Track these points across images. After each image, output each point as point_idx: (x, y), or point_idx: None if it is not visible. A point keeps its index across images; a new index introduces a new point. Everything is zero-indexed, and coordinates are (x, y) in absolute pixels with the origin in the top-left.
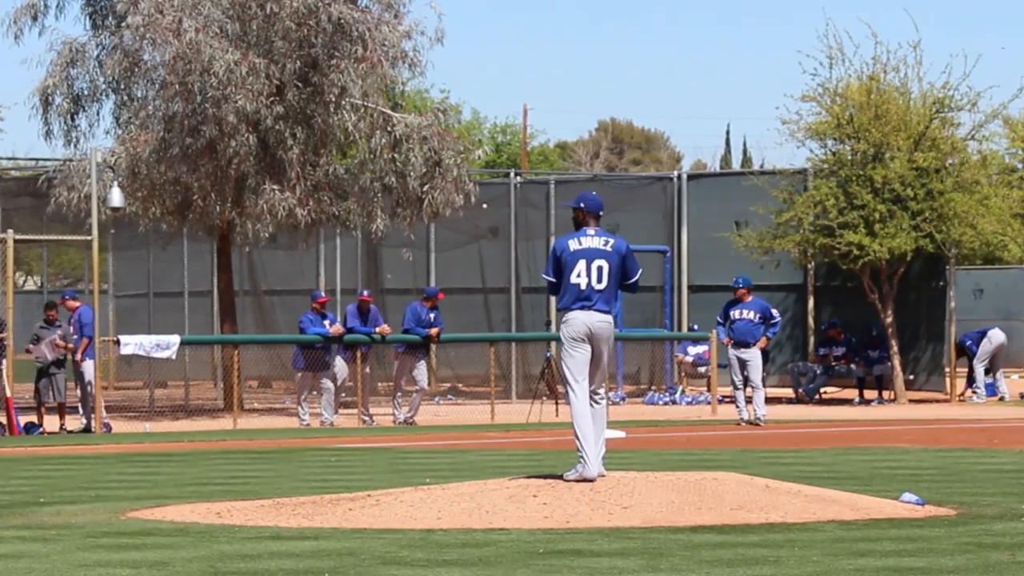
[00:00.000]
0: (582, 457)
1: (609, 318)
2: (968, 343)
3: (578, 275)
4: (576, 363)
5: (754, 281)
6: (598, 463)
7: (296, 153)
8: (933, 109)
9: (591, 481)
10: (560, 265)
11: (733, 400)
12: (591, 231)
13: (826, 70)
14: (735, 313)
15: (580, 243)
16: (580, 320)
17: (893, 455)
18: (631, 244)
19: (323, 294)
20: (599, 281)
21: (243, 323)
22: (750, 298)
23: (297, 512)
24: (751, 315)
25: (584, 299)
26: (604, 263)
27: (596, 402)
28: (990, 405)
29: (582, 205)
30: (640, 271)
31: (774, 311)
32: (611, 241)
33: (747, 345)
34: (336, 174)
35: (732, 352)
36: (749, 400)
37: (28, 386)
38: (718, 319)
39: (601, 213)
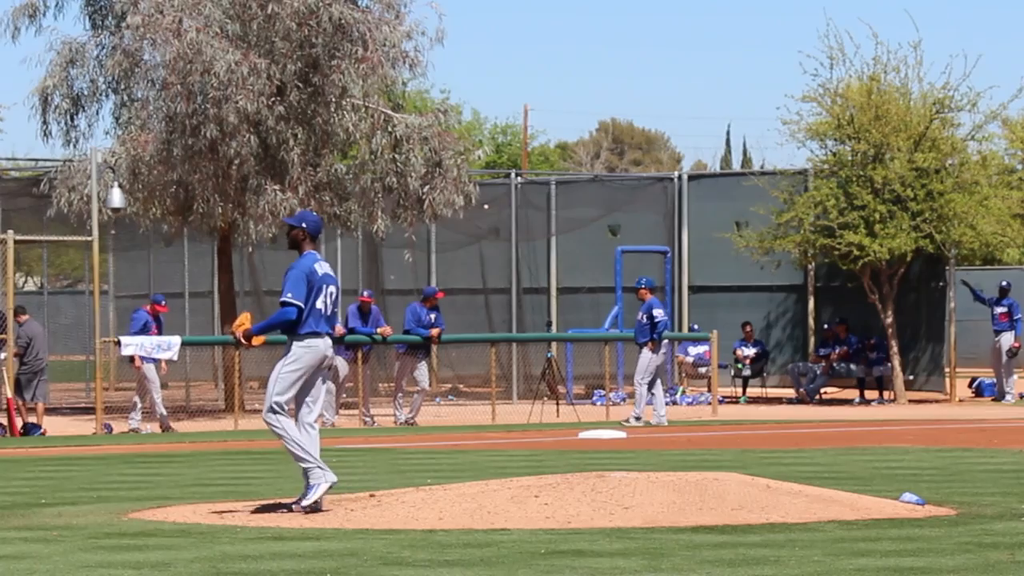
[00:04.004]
0: (316, 470)
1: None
2: (984, 295)
3: (323, 301)
4: (297, 392)
5: (755, 282)
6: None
7: (297, 153)
8: (933, 109)
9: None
10: (310, 288)
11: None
12: (320, 256)
13: (827, 70)
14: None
15: (322, 267)
16: (320, 350)
17: (893, 455)
18: (632, 245)
19: None
20: (334, 307)
21: None
22: (648, 298)
23: (298, 512)
24: (640, 316)
25: (325, 324)
26: (334, 289)
27: (312, 427)
28: (990, 405)
29: (304, 225)
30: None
31: (656, 311)
32: (330, 268)
33: (639, 346)
34: (337, 175)
35: None
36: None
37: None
38: None
39: (320, 232)
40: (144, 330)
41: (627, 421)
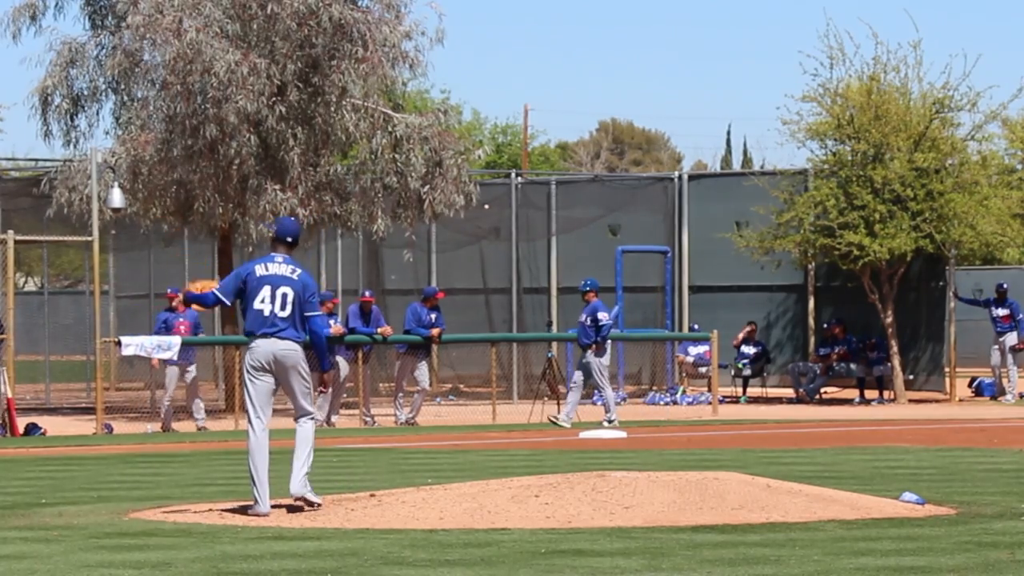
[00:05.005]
0: (255, 497)
1: (295, 345)
2: (980, 299)
3: (262, 301)
4: (257, 393)
5: (755, 282)
6: (299, 484)
7: (297, 153)
8: (933, 109)
9: (264, 516)
10: (243, 288)
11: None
12: (279, 258)
13: (827, 70)
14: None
15: (267, 269)
16: (263, 348)
17: (893, 455)
18: (632, 245)
19: (332, 295)
20: (283, 308)
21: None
22: (593, 300)
23: (299, 512)
24: (583, 318)
25: (268, 326)
26: (289, 291)
27: (302, 424)
28: (990, 405)
29: (273, 229)
30: (317, 312)
31: (600, 314)
32: (298, 271)
33: (583, 348)
34: (337, 174)
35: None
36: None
37: (29, 387)
38: None
39: (289, 240)
40: (168, 328)
41: (604, 423)
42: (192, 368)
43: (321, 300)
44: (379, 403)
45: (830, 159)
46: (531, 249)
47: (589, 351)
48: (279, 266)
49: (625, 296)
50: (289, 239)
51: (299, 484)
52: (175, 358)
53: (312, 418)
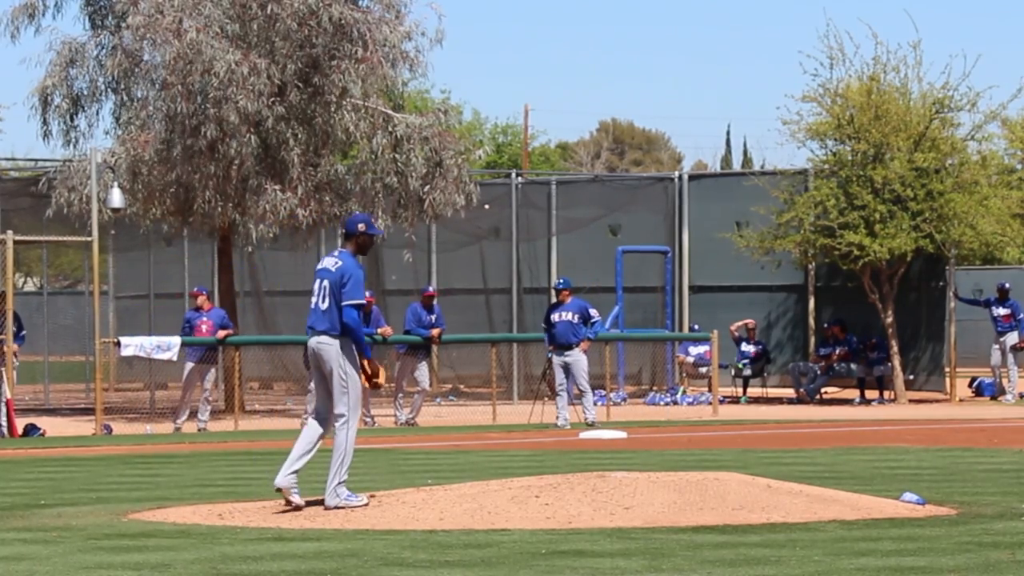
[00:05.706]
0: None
1: (329, 340)
2: (980, 299)
3: (311, 295)
4: (315, 385)
5: (755, 282)
6: (329, 495)
7: (297, 153)
8: (933, 109)
9: (276, 484)
10: None
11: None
12: (336, 252)
13: (826, 70)
14: (555, 316)
15: (322, 264)
16: (309, 343)
17: (893, 455)
18: (632, 245)
19: None
20: (323, 300)
21: (244, 324)
22: (569, 299)
23: (299, 513)
24: (569, 316)
25: (311, 320)
26: (326, 282)
27: (335, 431)
28: (990, 405)
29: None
30: (353, 300)
31: (592, 310)
32: (339, 263)
33: (568, 347)
34: (337, 175)
35: (555, 358)
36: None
37: (28, 387)
38: (542, 325)
39: (344, 231)
40: (191, 327)
41: (594, 423)
42: (213, 370)
43: None
44: (379, 403)
45: (830, 159)
46: (531, 249)
47: (576, 349)
48: (330, 259)
49: (625, 296)
50: (342, 231)
51: (329, 495)
52: (174, 359)
53: (346, 423)
